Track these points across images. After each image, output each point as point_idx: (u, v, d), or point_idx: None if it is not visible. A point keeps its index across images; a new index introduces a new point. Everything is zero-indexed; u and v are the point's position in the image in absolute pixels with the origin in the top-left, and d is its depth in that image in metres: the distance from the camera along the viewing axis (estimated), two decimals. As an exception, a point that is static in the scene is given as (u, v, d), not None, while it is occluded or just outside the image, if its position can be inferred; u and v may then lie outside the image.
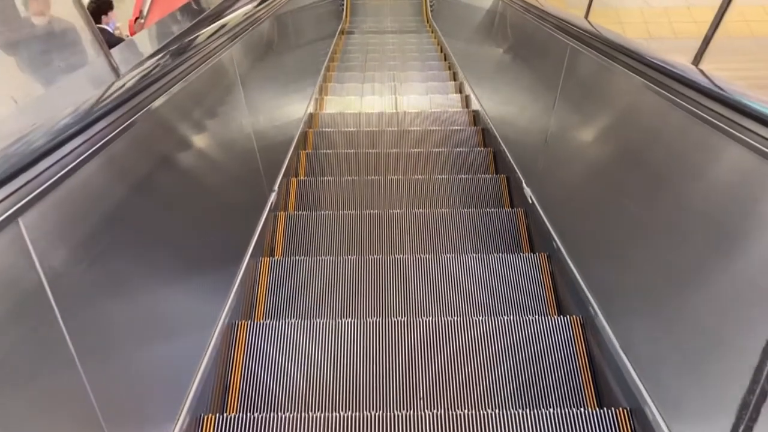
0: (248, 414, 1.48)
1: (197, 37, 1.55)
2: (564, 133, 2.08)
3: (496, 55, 3.58)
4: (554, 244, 2.05)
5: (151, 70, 1.20)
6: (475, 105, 4.01)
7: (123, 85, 1.08)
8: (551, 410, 1.48)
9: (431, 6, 8.24)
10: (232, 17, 1.90)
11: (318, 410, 1.63)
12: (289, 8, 3.28)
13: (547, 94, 2.26)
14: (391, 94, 4.66)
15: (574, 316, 1.83)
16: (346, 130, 3.81)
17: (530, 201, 2.36)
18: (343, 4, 8.35)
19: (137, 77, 1.14)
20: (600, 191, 1.76)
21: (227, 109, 1.91)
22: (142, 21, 5.11)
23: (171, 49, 1.37)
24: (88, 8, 4.52)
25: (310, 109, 4.02)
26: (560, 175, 2.13)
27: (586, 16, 1.93)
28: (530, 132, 2.57)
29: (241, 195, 2.10)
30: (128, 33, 4.76)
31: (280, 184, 2.58)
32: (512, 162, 2.76)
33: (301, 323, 1.84)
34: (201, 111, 1.64)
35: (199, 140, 1.63)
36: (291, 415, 1.47)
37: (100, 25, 4.52)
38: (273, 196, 2.43)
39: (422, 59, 6.03)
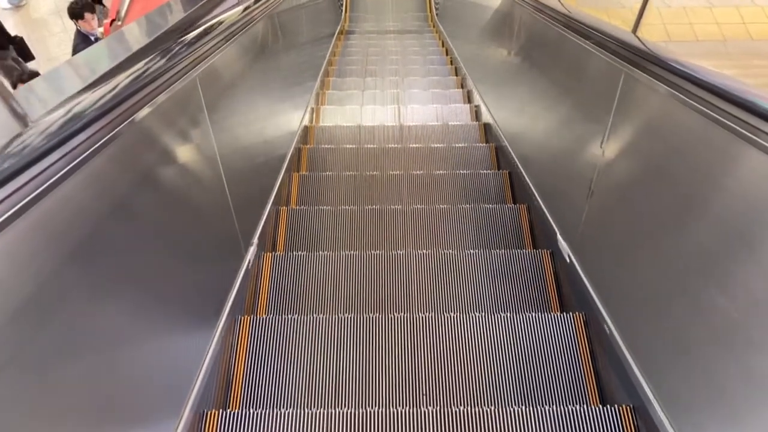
0: (251, 410, 1.48)
1: (148, 62, 1.17)
2: (619, 184, 1.60)
3: (518, 71, 3.04)
4: (595, 307, 1.71)
5: (78, 112, 0.89)
6: (492, 128, 3.50)
7: (29, 140, 0.78)
8: (554, 407, 1.49)
9: (436, 5, 7.94)
10: (198, 33, 1.48)
11: (320, 406, 1.63)
12: (275, 14, 2.79)
13: (590, 130, 1.81)
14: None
15: (576, 313, 1.83)
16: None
17: (568, 260, 1.95)
18: (341, 4, 8.05)
19: (56, 124, 0.83)
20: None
21: (189, 153, 1.48)
22: (119, 23, 4.69)
23: (112, 80, 1.03)
24: (69, 10, 4.40)
25: (303, 127, 3.50)
26: (612, 235, 1.66)
27: (635, 31, 1.60)
28: (568, 176, 2.10)
29: (208, 260, 1.65)
30: None
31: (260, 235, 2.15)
32: (545, 211, 2.27)
33: (303, 318, 1.84)
34: (152, 159, 1.23)
35: (151, 195, 1.22)
36: (293, 411, 1.47)
37: (86, 32, 4.39)
38: (252, 251, 2.00)
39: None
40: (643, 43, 1.46)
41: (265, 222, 2.23)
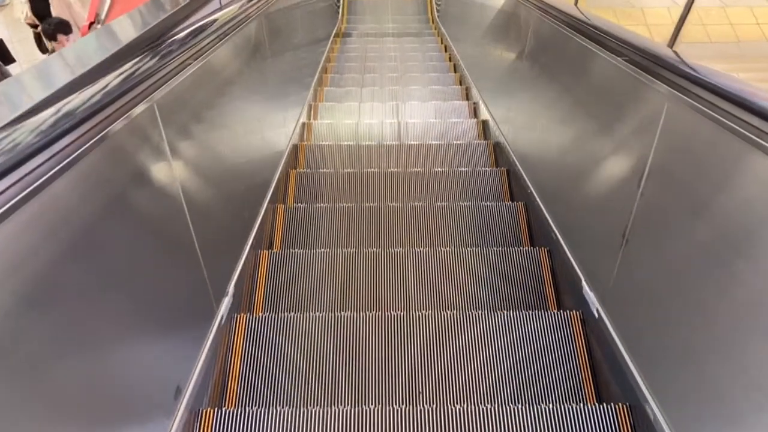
0: (246, 408, 1.48)
1: (90, 91, 0.94)
2: (665, 237, 1.30)
3: (531, 83, 2.70)
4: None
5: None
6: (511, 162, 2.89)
7: None
8: (550, 406, 1.48)
9: (437, 5, 7.73)
10: (157, 52, 1.21)
11: (317, 404, 1.63)
12: (260, 18, 2.44)
13: (621, 165, 1.57)
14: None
15: (573, 312, 1.83)
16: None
17: (596, 315, 1.65)
18: (339, 5, 7.82)
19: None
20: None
21: (145, 194, 1.21)
22: (99, 27, 4.27)
23: (46, 113, 0.83)
24: (42, 30, 4.18)
25: (291, 146, 3.12)
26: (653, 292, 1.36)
27: (672, 45, 1.39)
28: (592, 215, 1.81)
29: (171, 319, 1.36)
30: None
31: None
32: (570, 258, 1.92)
33: (300, 316, 1.83)
34: (96, 205, 0.99)
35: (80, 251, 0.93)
36: (289, 410, 1.47)
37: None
38: (226, 304, 1.68)
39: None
40: (691, 67, 1.18)
41: (244, 263, 1.94)
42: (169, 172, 1.32)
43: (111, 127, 0.99)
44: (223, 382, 1.67)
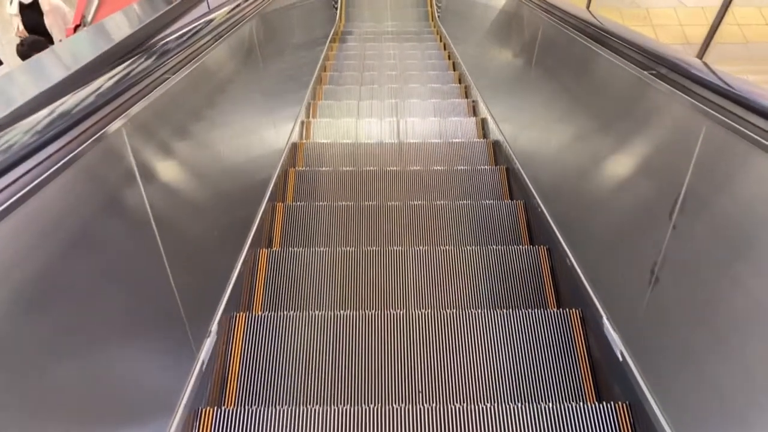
0: (246, 407, 1.47)
1: (50, 115, 0.85)
2: (701, 276, 1.14)
3: (534, 85, 2.59)
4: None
5: None
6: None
7: None
8: (550, 404, 1.48)
9: (438, 6, 7.63)
10: (148, 54, 1.15)
11: (315, 403, 1.62)
12: (251, 24, 2.32)
13: (649, 191, 1.39)
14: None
15: (573, 310, 1.82)
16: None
17: (620, 357, 1.48)
18: (336, 6, 7.73)
19: None
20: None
21: (107, 225, 1.04)
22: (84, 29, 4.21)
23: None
24: (17, 51, 4.08)
25: (290, 145, 3.02)
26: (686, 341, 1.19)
27: (701, 56, 1.34)
28: (616, 248, 1.62)
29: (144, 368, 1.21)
30: None
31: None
32: (588, 289, 1.73)
33: (300, 315, 1.83)
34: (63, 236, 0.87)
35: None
36: (289, 408, 1.46)
37: None
38: (208, 345, 1.51)
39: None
40: (734, 86, 1.04)
41: (238, 275, 1.84)
42: (139, 199, 1.16)
43: (73, 151, 0.87)
44: (222, 382, 1.66)
